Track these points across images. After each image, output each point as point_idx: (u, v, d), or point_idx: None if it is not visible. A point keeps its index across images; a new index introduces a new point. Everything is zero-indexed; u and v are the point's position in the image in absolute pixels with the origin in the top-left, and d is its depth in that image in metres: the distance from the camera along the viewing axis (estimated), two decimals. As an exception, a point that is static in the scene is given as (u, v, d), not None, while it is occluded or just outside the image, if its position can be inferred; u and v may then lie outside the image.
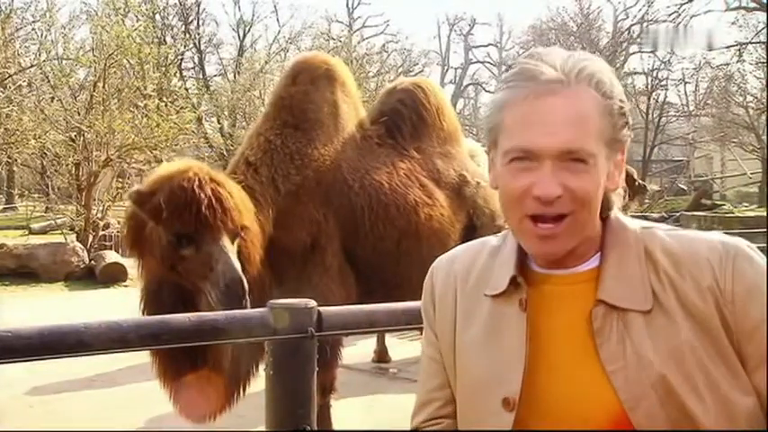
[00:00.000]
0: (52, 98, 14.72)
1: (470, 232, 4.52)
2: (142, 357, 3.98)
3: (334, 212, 4.08)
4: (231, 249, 3.23)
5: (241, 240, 3.46)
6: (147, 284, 3.50)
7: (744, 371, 1.11)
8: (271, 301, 2.26)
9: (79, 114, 13.58)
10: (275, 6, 40.46)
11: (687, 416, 1.08)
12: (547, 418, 1.14)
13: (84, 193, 13.12)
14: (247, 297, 3.10)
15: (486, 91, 48.06)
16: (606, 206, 1.22)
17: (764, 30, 23.22)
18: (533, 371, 1.16)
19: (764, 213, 23.22)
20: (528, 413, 1.15)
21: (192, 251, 3.24)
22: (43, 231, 16.65)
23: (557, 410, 1.14)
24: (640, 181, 10.72)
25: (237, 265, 3.16)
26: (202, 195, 3.21)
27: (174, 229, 3.24)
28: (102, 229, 13.66)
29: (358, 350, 6.31)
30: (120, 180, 14.26)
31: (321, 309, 2.26)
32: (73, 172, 13.40)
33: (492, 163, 1.23)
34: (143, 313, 3.49)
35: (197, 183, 3.25)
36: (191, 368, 3.36)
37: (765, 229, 16.12)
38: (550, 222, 1.14)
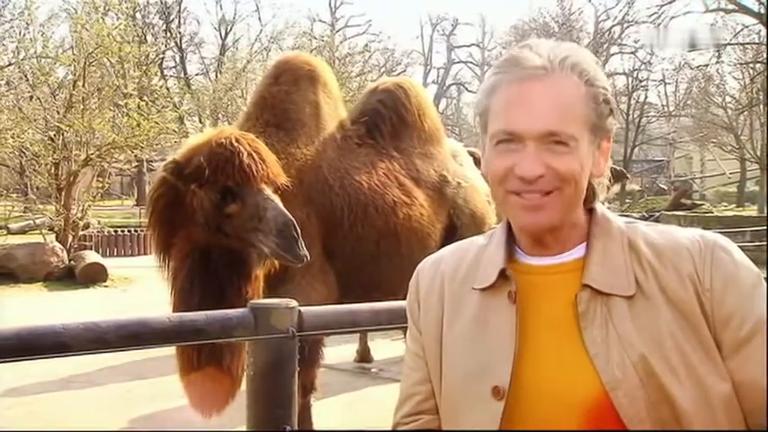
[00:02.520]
0: (31, 97, 14.57)
1: (451, 232, 4.53)
2: (122, 358, 3.95)
3: (316, 212, 4.08)
4: (277, 199, 3.26)
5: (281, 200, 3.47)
6: (190, 256, 3.40)
7: (720, 357, 1.15)
8: (251, 302, 2.26)
9: (58, 113, 13.45)
10: (257, 5, 40.52)
11: (666, 397, 1.11)
12: (534, 403, 1.17)
13: (63, 193, 13.00)
14: (301, 239, 3.16)
15: (469, 91, 48.24)
16: (592, 196, 1.26)
17: (742, 31, 23.50)
18: (521, 359, 1.18)
19: (743, 213, 23.51)
20: (516, 400, 1.17)
21: (239, 206, 3.25)
22: (22, 231, 16.49)
23: (543, 395, 1.17)
24: (615, 167, 11.02)
25: (287, 212, 3.19)
26: (242, 149, 3.25)
27: (218, 187, 3.25)
28: (82, 229, 13.55)
29: (340, 350, 6.31)
30: (101, 180, 14.14)
31: (302, 309, 2.25)
32: (52, 171, 13.26)
33: (483, 148, 1.27)
34: (181, 293, 3.40)
35: (234, 139, 3.31)
36: (207, 363, 3.33)
37: (746, 228, 16.32)
38: (536, 196, 1.17)
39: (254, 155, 3.26)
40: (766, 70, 24.88)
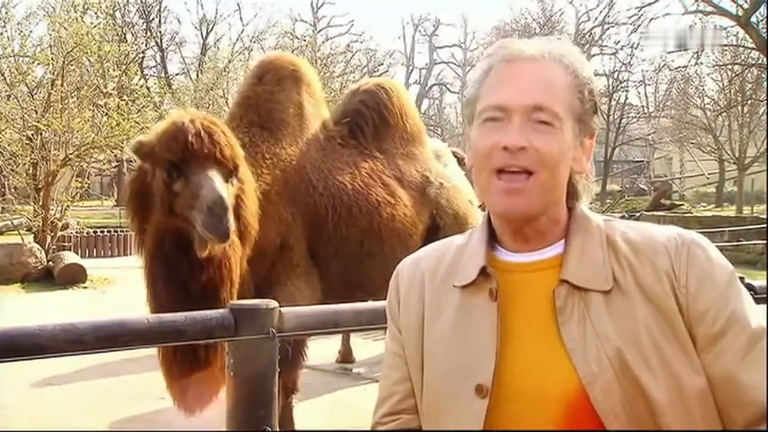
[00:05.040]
0: (8, 96, 14.37)
1: (433, 233, 4.53)
2: (99, 358, 3.91)
3: (301, 213, 4.06)
4: (219, 179, 3.17)
5: (239, 190, 3.43)
6: (152, 240, 3.39)
7: (695, 352, 1.17)
8: (231, 302, 2.24)
9: (37, 113, 13.30)
10: (238, 5, 40.30)
11: (641, 391, 1.13)
12: (514, 400, 1.18)
13: (41, 193, 12.86)
14: (230, 218, 3.07)
15: (451, 92, 48.41)
16: (573, 195, 1.28)
17: (720, 33, 23.73)
18: (502, 357, 1.20)
19: (721, 213, 23.76)
20: (498, 398, 1.18)
21: (182, 184, 3.20)
22: (-1, 232, 16.31)
23: (523, 392, 1.18)
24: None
25: (222, 190, 3.11)
26: (191, 126, 3.22)
27: (164, 162, 3.23)
28: (61, 230, 13.41)
29: (322, 350, 6.29)
30: (80, 180, 13.99)
31: (283, 309, 2.24)
32: (30, 171, 13.11)
33: (468, 139, 1.30)
34: (147, 279, 3.40)
35: (189, 118, 3.29)
36: (192, 363, 3.31)
37: (725, 228, 16.50)
38: (517, 176, 1.20)
39: (203, 133, 3.21)
40: (743, 72, 25.21)
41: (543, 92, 1.20)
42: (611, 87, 34.92)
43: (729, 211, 25.10)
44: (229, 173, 3.30)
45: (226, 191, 3.15)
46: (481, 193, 1.27)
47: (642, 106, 37.66)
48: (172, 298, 3.30)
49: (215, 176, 3.16)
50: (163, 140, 3.25)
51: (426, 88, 47.46)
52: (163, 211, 3.27)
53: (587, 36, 36.12)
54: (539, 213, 1.23)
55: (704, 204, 29.86)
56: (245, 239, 3.54)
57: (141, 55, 28.74)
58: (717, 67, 27.75)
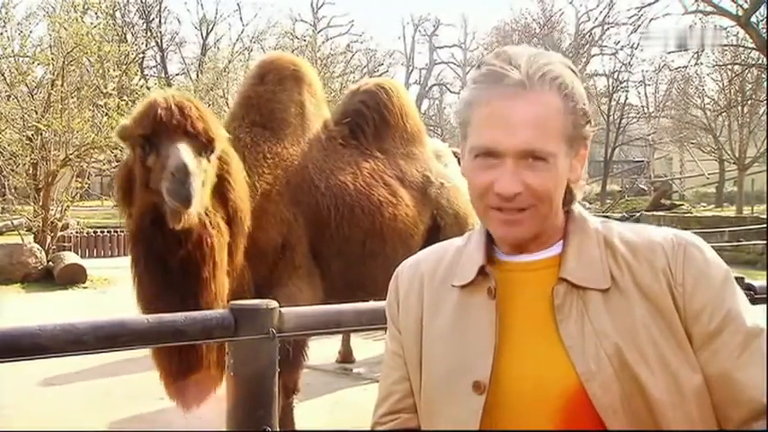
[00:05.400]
0: (8, 96, 14.36)
1: (434, 233, 4.54)
2: (99, 359, 3.91)
3: (303, 213, 4.06)
4: (187, 149, 3.14)
5: (223, 171, 3.43)
6: (134, 221, 3.38)
7: (692, 350, 1.18)
8: (232, 302, 2.24)
9: (37, 113, 13.29)
10: (238, 5, 40.27)
11: (639, 388, 1.14)
12: (512, 397, 1.19)
13: (41, 193, 12.86)
14: (193, 183, 3.04)
15: (451, 92, 48.36)
16: (570, 198, 1.29)
17: (721, 33, 23.73)
18: (500, 354, 1.21)
19: (721, 213, 23.77)
20: (496, 395, 1.19)
21: (155, 157, 3.19)
22: (-1, 232, 16.30)
23: (521, 389, 1.19)
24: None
25: (186, 157, 3.07)
26: (162, 101, 3.23)
27: (138, 139, 3.24)
28: (61, 230, 13.40)
29: (322, 350, 6.29)
30: (80, 180, 13.98)
31: (283, 309, 2.24)
32: (30, 171, 13.10)
33: (463, 153, 1.30)
34: (131, 256, 3.41)
35: (163, 95, 3.30)
36: (185, 356, 3.29)
37: (725, 228, 16.50)
38: (514, 212, 1.21)
39: (174, 107, 3.21)
40: (743, 72, 25.21)
41: (536, 132, 1.18)
42: (611, 88, 34.93)
43: (729, 212, 25.09)
44: (203, 146, 3.26)
45: (193, 160, 3.11)
46: (479, 218, 1.29)
47: (642, 106, 37.64)
48: (151, 275, 3.30)
49: (183, 147, 3.13)
50: (137, 117, 3.27)
51: (426, 88, 47.44)
52: (141, 188, 3.27)
53: (587, 36, 36.14)
54: (538, 234, 1.25)
55: (704, 204, 29.85)
56: (235, 225, 3.50)
57: (141, 55, 28.71)
58: (717, 68, 27.73)
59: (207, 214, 3.32)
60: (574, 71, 1.25)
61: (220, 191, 3.43)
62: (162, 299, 3.25)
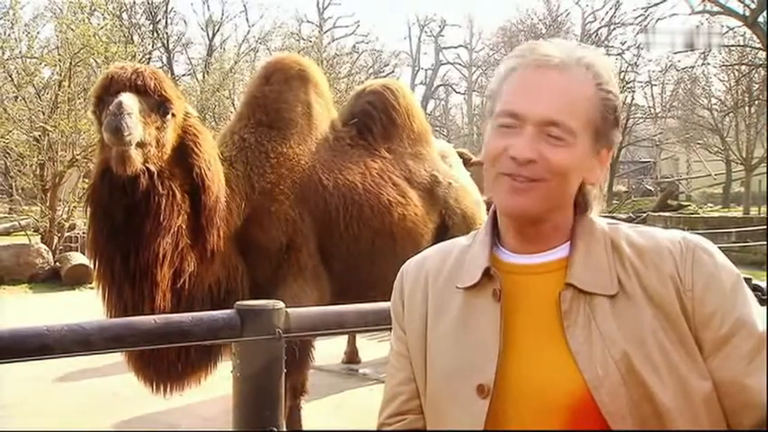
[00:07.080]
0: (16, 97, 14.43)
1: (443, 232, 4.54)
2: (105, 359, 3.92)
3: (310, 212, 4.05)
4: (132, 98, 3.15)
5: (188, 139, 3.47)
6: (92, 177, 3.47)
7: (701, 356, 1.16)
8: (238, 303, 2.24)
9: (44, 114, 13.35)
10: (245, 6, 40.41)
11: (648, 394, 1.12)
12: (517, 402, 1.18)
13: (48, 194, 12.90)
14: (125, 117, 3.05)
15: (457, 92, 48.36)
16: (584, 203, 1.27)
17: (727, 33, 23.67)
18: (505, 358, 1.19)
19: (728, 214, 23.68)
20: (500, 398, 1.18)
21: (105, 113, 3.19)
22: (6, 233, 16.36)
23: (526, 394, 1.17)
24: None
25: (127, 101, 3.09)
26: (118, 67, 3.32)
27: (95, 102, 3.32)
28: (68, 231, 13.44)
29: (328, 351, 6.29)
30: (87, 180, 14.01)
31: (289, 310, 2.24)
32: (37, 172, 13.16)
33: (485, 133, 1.28)
34: (88, 207, 3.46)
35: (125, 64, 3.39)
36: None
37: (732, 229, 16.44)
38: (525, 180, 1.19)
39: (127, 68, 3.28)
40: (750, 72, 25.12)
41: (562, 106, 1.17)
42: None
43: (736, 212, 24.99)
44: (156, 104, 3.30)
45: (135, 104, 3.14)
46: (488, 189, 1.27)
47: (649, 107, 37.49)
48: (97, 224, 3.34)
49: (127, 95, 3.15)
50: (96, 85, 3.37)
51: (432, 89, 47.40)
52: (98, 147, 3.36)
53: (593, 37, 36.02)
54: (543, 215, 1.22)
55: (711, 205, 29.74)
56: (205, 199, 3.49)
57: (148, 56, 28.77)
58: (724, 68, 27.66)
59: (160, 174, 3.32)
60: (612, 70, 1.25)
61: (183, 158, 3.45)
62: (106, 248, 3.33)
